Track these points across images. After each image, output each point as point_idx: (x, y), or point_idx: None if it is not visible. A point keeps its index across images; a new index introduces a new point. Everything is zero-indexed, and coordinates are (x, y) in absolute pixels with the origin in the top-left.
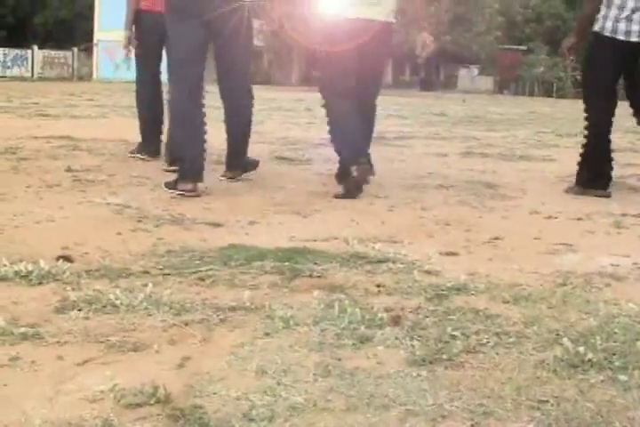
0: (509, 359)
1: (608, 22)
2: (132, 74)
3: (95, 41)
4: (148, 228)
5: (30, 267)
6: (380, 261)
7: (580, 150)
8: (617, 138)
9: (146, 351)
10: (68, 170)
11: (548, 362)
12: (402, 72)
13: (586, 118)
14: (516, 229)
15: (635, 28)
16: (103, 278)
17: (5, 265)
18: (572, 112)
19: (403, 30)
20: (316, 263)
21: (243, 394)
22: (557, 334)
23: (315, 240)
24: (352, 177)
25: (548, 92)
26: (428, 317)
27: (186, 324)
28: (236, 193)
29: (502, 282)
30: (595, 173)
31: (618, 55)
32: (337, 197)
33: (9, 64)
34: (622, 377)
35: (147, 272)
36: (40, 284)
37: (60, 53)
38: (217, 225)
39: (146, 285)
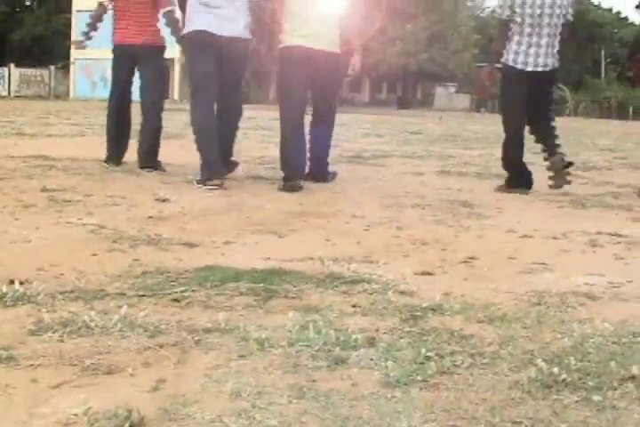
0: (484, 380)
1: (516, 56)
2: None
3: (72, 59)
4: (124, 248)
5: (5, 288)
6: (355, 282)
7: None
8: (593, 156)
9: (120, 374)
10: (44, 190)
11: (522, 383)
12: (379, 90)
13: (505, 130)
14: (491, 249)
15: (530, 59)
16: (78, 300)
17: None
18: None
19: (381, 49)
20: (291, 284)
21: (217, 417)
22: (532, 355)
23: (290, 260)
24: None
25: None
26: (402, 338)
27: (160, 346)
28: (212, 213)
29: (477, 302)
30: (516, 175)
31: (521, 81)
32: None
33: None
34: (596, 397)
35: (122, 294)
36: (14, 305)
37: (37, 71)
38: (193, 245)
39: (121, 306)
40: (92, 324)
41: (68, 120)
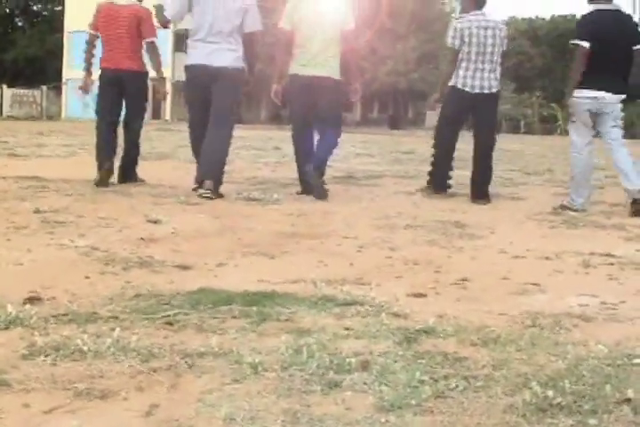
0: (478, 404)
1: (463, 79)
2: None
3: (64, 80)
4: (116, 270)
5: None
6: (348, 304)
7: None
8: None
9: (113, 399)
10: (37, 211)
11: (516, 406)
12: (370, 110)
13: (438, 143)
14: (484, 270)
15: (476, 83)
16: (71, 323)
17: None
18: (540, 149)
19: (372, 69)
20: (284, 307)
21: None
22: (526, 378)
23: (283, 282)
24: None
25: (515, 129)
26: (396, 361)
27: (154, 370)
28: (204, 234)
29: (471, 324)
30: (440, 181)
31: (465, 101)
32: (298, 193)
33: None
34: (592, 421)
35: (115, 317)
36: (7, 329)
37: (29, 92)
38: (185, 267)
39: (113, 330)
40: (85, 348)
41: (60, 141)
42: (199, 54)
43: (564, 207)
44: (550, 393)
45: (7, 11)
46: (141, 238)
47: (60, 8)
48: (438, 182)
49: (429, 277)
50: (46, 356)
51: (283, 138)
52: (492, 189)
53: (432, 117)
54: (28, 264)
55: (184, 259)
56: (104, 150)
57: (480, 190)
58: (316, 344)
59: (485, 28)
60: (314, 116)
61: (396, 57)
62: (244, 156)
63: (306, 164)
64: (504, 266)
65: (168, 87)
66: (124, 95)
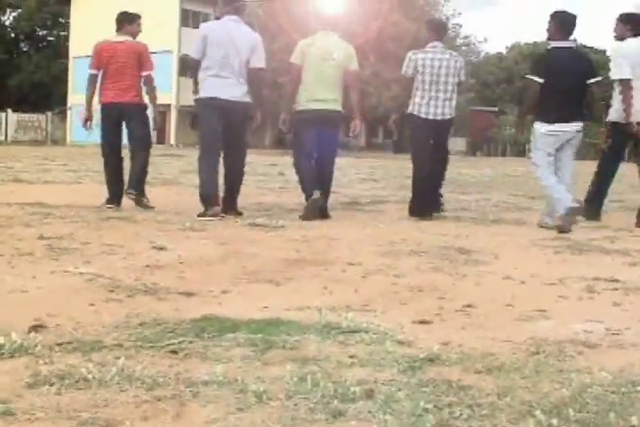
0: None
1: (419, 107)
2: None
3: (69, 105)
4: (121, 298)
5: (2, 340)
6: (352, 332)
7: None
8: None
9: None
10: (42, 238)
11: None
12: (375, 135)
13: (414, 167)
14: (488, 296)
15: (432, 110)
16: (75, 352)
17: None
18: None
19: (376, 94)
20: (288, 334)
21: None
22: (530, 406)
23: (288, 310)
24: (312, 200)
25: (520, 153)
26: (401, 389)
27: (158, 399)
28: (209, 261)
29: (475, 352)
30: (419, 205)
31: (425, 127)
32: (301, 217)
33: None
34: None
35: (119, 345)
36: (12, 357)
37: (34, 117)
38: (190, 295)
39: (118, 358)
40: (90, 376)
41: (65, 166)
42: (211, 88)
43: (543, 226)
44: (554, 421)
45: (12, 36)
46: (146, 265)
47: (65, 33)
48: (417, 205)
49: (434, 304)
50: (51, 385)
51: (287, 163)
52: (495, 214)
53: None
54: (32, 291)
55: (189, 286)
56: (112, 178)
57: (432, 207)
58: (321, 373)
59: (440, 60)
60: (317, 147)
61: (401, 81)
62: (248, 181)
63: (313, 190)
64: (508, 292)
65: (173, 113)
66: (127, 127)
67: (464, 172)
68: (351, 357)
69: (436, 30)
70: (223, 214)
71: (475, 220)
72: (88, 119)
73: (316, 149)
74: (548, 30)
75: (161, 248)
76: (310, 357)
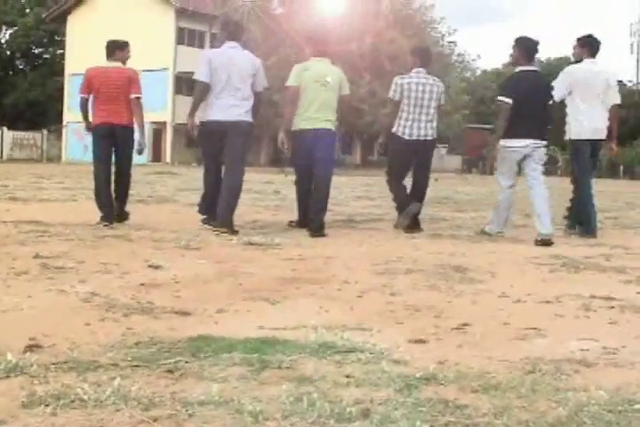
0: None
1: (403, 128)
2: None
3: (64, 122)
4: (117, 317)
5: None
6: (348, 351)
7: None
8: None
9: None
10: (37, 256)
11: None
12: (370, 153)
13: (392, 181)
14: (485, 314)
15: (416, 131)
16: (71, 371)
17: None
18: None
19: (372, 111)
20: (285, 354)
21: None
22: (527, 425)
23: (284, 329)
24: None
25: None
26: (397, 409)
27: (154, 419)
28: (204, 280)
29: (471, 370)
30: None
31: (407, 147)
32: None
33: None
34: None
35: (115, 365)
36: (7, 377)
37: (30, 135)
38: (186, 314)
39: (114, 378)
40: (86, 396)
41: (61, 184)
42: (216, 110)
43: (483, 232)
44: None
45: (8, 53)
46: (142, 284)
47: (61, 51)
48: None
49: (430, 323)
50: (46, 405)
51: (283, 181)
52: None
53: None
54: (28, 310)
55: (185, 305)
56: (105, 195)
57: (415, 223)
58: (317, 392)
59: (423, 85)
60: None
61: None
62: (244, 199)
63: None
64: (505, 310)
65: (169, 131)
66: (115, 146)
67: (460, 189)
68: (347, 376)
69: (420, 57)
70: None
71: (470, 237)
72: (88, 127)
73: (313, 166)
74: (513, 55)
75: (156, 267)
76: (306, 376)
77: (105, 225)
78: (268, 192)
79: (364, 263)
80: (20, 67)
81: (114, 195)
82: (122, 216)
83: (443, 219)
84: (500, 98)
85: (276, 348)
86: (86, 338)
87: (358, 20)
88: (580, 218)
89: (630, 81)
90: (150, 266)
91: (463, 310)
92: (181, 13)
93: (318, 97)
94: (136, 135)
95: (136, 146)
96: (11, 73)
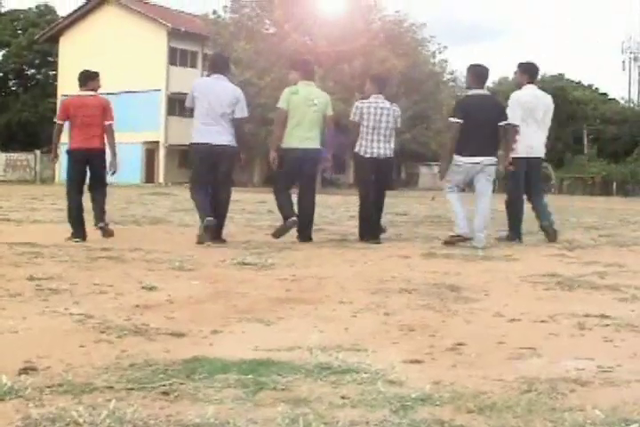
0: None
1: (363, 148)
2: None
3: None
4: (111, 339)
5: None
6: (344, 372)
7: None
8: (578, 234)
9: None
10: (31, 278)
11: None
12: None
13: (360, 199)
14: (479, 334)
15: (374, 150)
16: (66, 394)
17: None
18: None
19: None
20: (280, 375)
21: None
22: None
23: (278, 350)
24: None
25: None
26: None
27: None
28: (198, 301)
29: (467, 390)
30: (365, 230)
31: (367, 164)
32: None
33: None
34: None
35: (110, 387)
36: (2, 400)
37: (23, 156)
38: (180, 335)
39: (109, 400)
40: (81, 420)
41: (54, 205)
42: (202, 135)
43: (451, 238)
44: None
45: (1, 75)
46: (136, 305)
47: (53, 72)
48: (365, 231)
49: (425, 343)
50: None
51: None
52: (485, 250)
53: (425, 177)
54: (22, 332)
55: (179, 326)
56: (76, 213)
57: (373, 233)
58: (313, 414)
59: (381, 109)
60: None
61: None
62: (237, 220)
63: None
64: (499, 330)
65: (161, 151)
66: (90, 168)
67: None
68: (343, 397)
69: (377, 84)
70: (209, 242)
71: (465, 256)
72: (54, 157)
73: (297, 179)
74: (466, 81)
75: (150, 288)
76: (302, 398)
77: (76, 241)
78: (261, 212)
79: (357, 283)
80: (13, 88)
81: (92, 211)
82: (106, 231)
83: (437, 238)
84: (450, 119)
85: (271, 369)
86: (81, 360)
87: (350, 39)
88: (510, 228)
89: (622, 98)
90: (144, 287)
91: (458, 330)
92: (173, 34)
93: (306, 117)
94: (108, 158)
95: (109, 168)
96: (3, 94)
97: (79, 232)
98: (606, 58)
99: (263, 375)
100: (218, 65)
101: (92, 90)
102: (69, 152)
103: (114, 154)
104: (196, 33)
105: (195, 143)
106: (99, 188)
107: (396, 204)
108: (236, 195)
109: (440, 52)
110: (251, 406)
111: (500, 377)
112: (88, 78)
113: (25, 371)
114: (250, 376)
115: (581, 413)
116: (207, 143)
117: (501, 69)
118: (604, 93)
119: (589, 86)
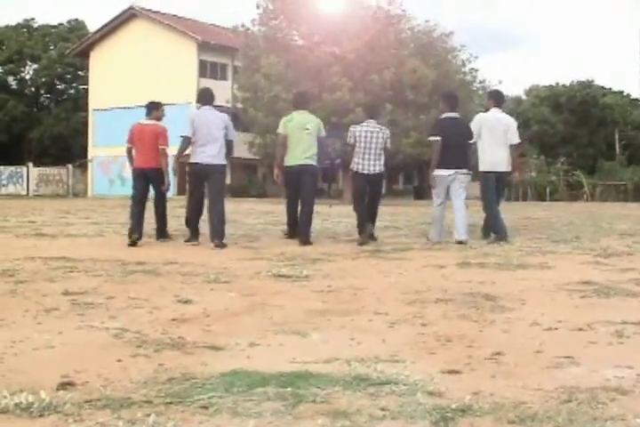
0: None
1: (357, 165)
2: (125, 189)
3: (89, 157)
4: (148, 353)
5: (31, 398)
6: (382, 383)
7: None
8: (613, 241)
9: None
10: (66, 293)
11: None
12: (395, 181)
13: (355, 210)
14: (517, 343)
15: (366, 167)
16: (105, 409)
17: (5, 397)
18: (567, 216)
19: (395, 141)
20: (318, 387)
21: None
22: None
23: (316, 362)
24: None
25: (541, 196)
26: None
27: None
28: (234, 313)
29: (507, 401)
30: (361, 229)
31: (364, 180)
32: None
33: (4, 182)
34: None
35: (149, 401)
36: (41, 416)
37: (55, 170)
38: (217, 348)
39: (148, 415)
40: None
41: (87, 219)
42: (199, 156)
43: (427, 239)
44: None
45: (33, 90)
46: (172, 319)
47: (85, 87)
48: (362, 229)
49: (463, 353)
50: None
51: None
52: (519, 258)
53: None
54: (59, 348)
55: (216, 339)
56: (136, 222)
57: (371, 238)
58: None
59: (372, 131)
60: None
61: (420, 127)
62: (271, 231)
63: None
64: (537, 339)
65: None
66: (150, 184)
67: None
68: (382, 409)
69: (367, 111)
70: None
71: (499, 265)
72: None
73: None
74: (441, 106)
75: (186, 301)
76: (341, 410)
77: (133, 241)
78: None
79: (393, 294)
80: (45, 103)
81: (155, 220)
82: (164, 235)
83: (470, 247)
84: (430, 138)
85: (309, 381)
86: (118, 375)
87: (379, 49)
88: (492, 230)
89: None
90: (180, 300)
91: (495, 339)
92: (203, 46)
93: (302, 140)
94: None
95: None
96: (35, 109)
97: (136, 236)
98: (637, 63)
99: (302, 388)
100: (206, 98)
101: (155, 118)
102: (133, 170)
103: (166, 173)
104: (225, 45)
105: (190, 162)
106: (158, 200)
107: (428, 214)
108: (270, 206)
109: (470, 62)
110: (290, 420)
111: (539, 387)
112: (153, 109)
113: (63, 386)
114: (288, 389)
115: (623, 422)
116: (200, 163)
117: (531, 77)
118: (636, 99)
119: (620, 92)
